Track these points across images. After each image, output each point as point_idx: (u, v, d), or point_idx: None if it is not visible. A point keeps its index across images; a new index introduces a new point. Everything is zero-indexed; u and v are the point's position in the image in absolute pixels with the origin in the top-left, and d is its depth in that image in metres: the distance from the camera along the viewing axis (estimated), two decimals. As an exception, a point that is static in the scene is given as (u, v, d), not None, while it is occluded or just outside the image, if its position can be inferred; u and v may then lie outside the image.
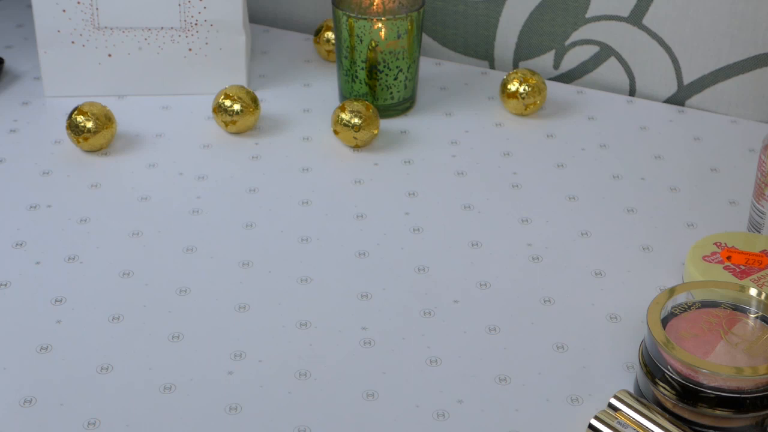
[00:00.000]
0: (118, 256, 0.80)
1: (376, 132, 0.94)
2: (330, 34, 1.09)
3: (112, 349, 0.71)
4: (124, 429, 0.65)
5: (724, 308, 0.67)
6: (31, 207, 0.86)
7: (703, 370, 0.61)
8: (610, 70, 1.05)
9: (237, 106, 0.95)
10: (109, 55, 1.01)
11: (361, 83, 0.98)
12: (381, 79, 0.97)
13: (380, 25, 0.95)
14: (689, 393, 0.62)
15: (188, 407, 0.66)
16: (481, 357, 0.71)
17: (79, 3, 0.98)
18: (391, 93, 0.98)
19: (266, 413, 0.66)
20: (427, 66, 1.08)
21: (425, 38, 1.12)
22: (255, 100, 0.96)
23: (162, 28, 1.00)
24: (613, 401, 0.64)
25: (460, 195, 0.88)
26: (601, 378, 0.69)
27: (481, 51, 1.10)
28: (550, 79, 1.08)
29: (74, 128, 0.92)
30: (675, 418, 0.63)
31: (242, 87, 0.96)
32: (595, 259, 0.80)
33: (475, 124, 0.99)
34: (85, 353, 0.71)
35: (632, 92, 1.05)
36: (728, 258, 0.75)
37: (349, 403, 0.67)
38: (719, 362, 0.62)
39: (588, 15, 1.04)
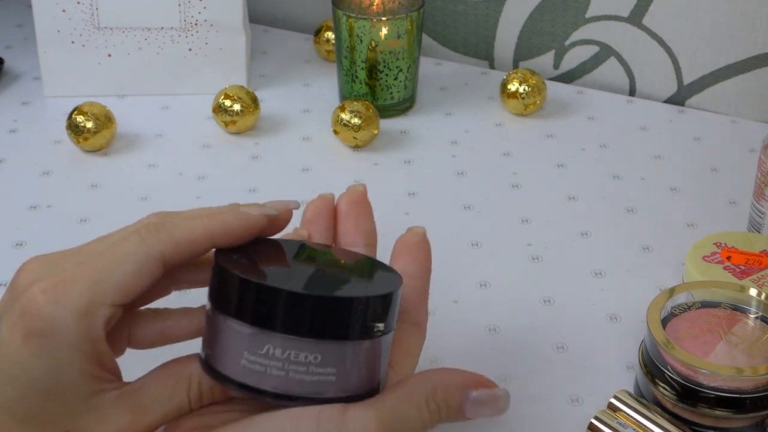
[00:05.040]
0: (118, 256, 0.80)
1: (376, 132, 0.94)
2: (330, 34, 1.09)
3: (112, 349, 0.71)
4: (124, 429, 0.65)
5: (724, 308, 0.67)
6: (31, 207, 0.86)
7: (703, 370, 0.61)
8: (610, 70, 1.05)
9: (237, 106, 0.95)
10: (109, 55, 1.01)
11: (361, 83, 0.98)
12: (381, 79, 0.97)
13: (380, 25, 0.95)
14: (689, 393, 0.62)
15: (188, 407, 0.66)
16: (481, 357, 0.71)
17: (79, 3, 0.98)
18: (391, 93, 0.98)
19: (266, 413, 0.66)
20: (427, 66, 1.08)
21: (425, 38, 1.12)
22: (255, 100, 0.96)
23: (162, 28, 1.00)
24: (613, 401, 0.64)
25: (460, 195, 0.88)
26: (601, 378, 0.69)
27: (481, 51, 1.10)
28: (550, 79, 1.08)
29: (74, 128, 0.92)
30: (675, 418, 0.63)
31: (242, 87, 0.96)
32: (595, 259, 0.80)
33: (475, 124, 0.99)
34: (85, 353, 0.71)
35: (632, 92, 1.05)
36: (728, 258, 0.75)
37: (349, 403, 0.67)
38: (719, 362, 0.62)
39: (588, 15, 1.04)
